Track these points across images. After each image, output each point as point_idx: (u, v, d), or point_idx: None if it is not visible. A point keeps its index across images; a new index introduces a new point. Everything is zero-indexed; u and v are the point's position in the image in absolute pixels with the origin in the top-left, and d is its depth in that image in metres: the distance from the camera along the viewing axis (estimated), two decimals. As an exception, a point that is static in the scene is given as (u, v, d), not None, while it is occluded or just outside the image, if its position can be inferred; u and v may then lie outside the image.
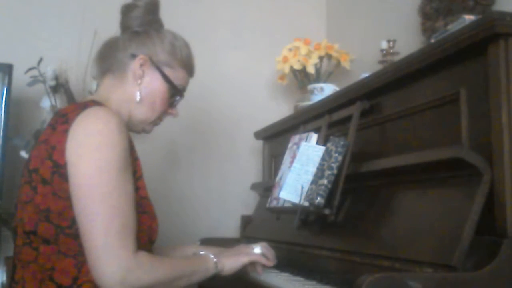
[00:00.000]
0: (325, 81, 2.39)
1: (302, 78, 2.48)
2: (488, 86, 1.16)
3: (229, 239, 2.31)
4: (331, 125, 1.75)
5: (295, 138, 1.85)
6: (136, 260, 1.19)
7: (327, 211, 1.48)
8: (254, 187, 2.44)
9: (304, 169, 1.64)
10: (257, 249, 1.51)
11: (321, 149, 1.61)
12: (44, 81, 2.18)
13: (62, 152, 1.19)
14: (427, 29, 1.95)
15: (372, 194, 1.48)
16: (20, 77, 2.17)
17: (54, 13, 2.47)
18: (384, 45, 2.05)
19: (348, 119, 1.62)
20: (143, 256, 1.21)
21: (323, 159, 1.55)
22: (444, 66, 1.30)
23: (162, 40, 1.40)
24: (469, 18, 1.40)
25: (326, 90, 2.22)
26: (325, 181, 1.48)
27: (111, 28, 1.44)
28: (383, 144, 1.54)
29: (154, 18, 1.43)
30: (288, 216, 1.77)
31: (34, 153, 1.27)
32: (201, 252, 1.53)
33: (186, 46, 1.45)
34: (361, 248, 1.39)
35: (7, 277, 2.05)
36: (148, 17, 1.41)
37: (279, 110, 2.65)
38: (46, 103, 2.20)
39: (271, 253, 1.54)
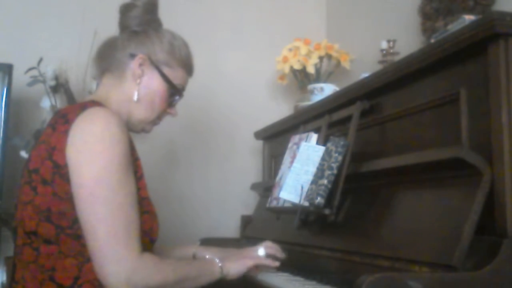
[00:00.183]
0: (325, 81, 2.39)
1: (302, 78, 2.48)
2: (488, 86, 1.16)
3: (229, 239, 2.31)
4: (331, 125, 1.75)
5: (295, 138, 1.85)
6: (142, 261, 1.19)
7: (327, 211, 1.48)
8: (254, 187, 2.44)
9: (304, 169, 1.64)
10: (261, 251, 1.51)
11: (321, 149, 1.61)
12: (44, 81, 2.18)
13: (63, 152, 1.19)
14: (427, 29, 1.95)
15: (372, 194, 1.48)
16: (20, 77, 2.17)
17: (54, 13, 2.47)
18: (384, 45, 2.05)
19: (348, 119, 1.62)
20: (149, 257, 1.22)
21: (323, 159, 1.55)
22: (444, 66, 1.30)
23: (161, 40, 1.40)
24: (469, 18, 1.40)
25: (326, 90, 2.22)
26: (325, 181, 1.48)
27: (111, 28, 1.44)
28: (383, 144, 1.54)
29: (153, 17, 1.43)
30: (288, 216, 1.77)
31: (34, 153, 1.27)
32: (207, 256, 1.53)
33: (185, 45, 1.45)
34: (361, 248, 1.39)
35: (7, 277, 2.05)
36: (146, 16, 1.41)
37: (279, 110, 2.65)
38: (46, 103, 2.20)
39: (275, 251, 1.54)
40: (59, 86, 2.21)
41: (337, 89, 2.17)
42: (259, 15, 2.83)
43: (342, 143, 1.51)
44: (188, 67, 1.46)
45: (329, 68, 2.49)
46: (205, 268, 1.36)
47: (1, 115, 2.13)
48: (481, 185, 1.11)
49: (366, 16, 2.53)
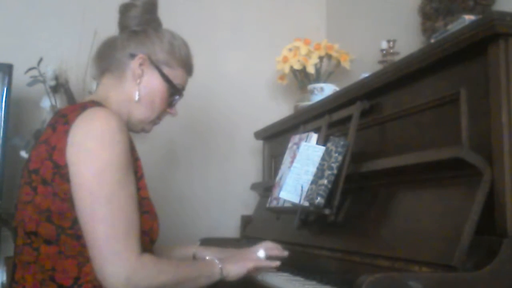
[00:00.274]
0: (325, 81, 2.39)
1: (302, 78, 2.48)
2: (488, 86, 1.16)
3: (229, 239, 2.31)
4: (331, 125, 1.75)
5: (295, 138, 1.85)
6: (141, 261, 1.19)
7: (327, 211, 1.48)
8: (254, 187, 2.44)
9: (304, 169, 1.64)
10: (261, 253, 1.50)
11: (321, 149, 1.61)
12: (44, 81, 2.18)
13: (63, 152, 1.19)
14: (427, 29, 1.95)
15: (372, 194, 1.48)
16: (20, 77, 2.17)
17: (54, 13, 2.47)
18: (384, 45, 2.05)
19: (348, 119, 1.62)
20: (148, 258, 1.22)
21: (323, 159, 1.55)
22: (444, 66, 1.30)
23: (161, 40, 1.40)
24: (469, 18, 1.40)
25: (326, 90, 2.22)
26: (325, 181, 1.48)
27: (111, 28, 1.44)
28: (383, 144, 1.54)
29: (152, 17, 1.43)
30: (288, 216, 1.77)
31: (34, 153, 1.27)
32: (207, 257, 1.52)
33: (185, 45, 1.45)
34: (361, 248, 1.39)
35: (7, 277, 2.04)
36: (146, 16, 1.41)
37: (279, 110, 2.65)
38: (46, 103, 2.20)
39: (277, 251, 1.54)
40: (59, 86, 2.21)
41: (337, 89, 2.17)
42: (259, 15, 2.83)
43: (342, 143, 1.51)
44: (188, 67, 1.46)
45: (329, 68, 2.49)
46: (205, 269, 1.36)
47: (1, 115, 2.13)
48: (481, 185, 1.11)
49: (366, 16, 2.53)
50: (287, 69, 2.45)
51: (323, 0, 2.93)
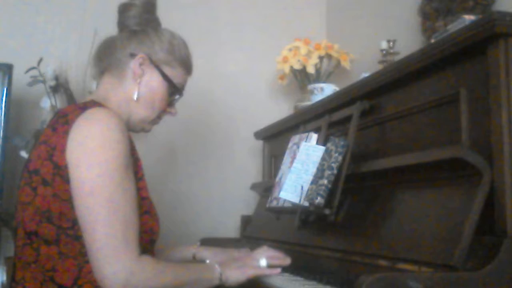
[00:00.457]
0: (325, 81, 2.39)
1: (302, 78, 2.48)
2: (488, 86, 1.16)
3: (229, 239, 2.31)
4: (331, 125, 1.75)
5: (295, 138, 1.85)
6: (140, 263, 1.19)
7: (327, 211, 1.48)
8: (254, 187, 2.44)
9: (304, 169, 1.64)
10: (263, 262, 1.49)
11: (321, 149, 1.61)
12: (44, 81, 2.18)
13: (63, 153, 1.19)
14: (427, 29, 1.95)
15: (372, 194, 1.48)
16: (20, 77, 2.17)
17: (54, 13, 2.47)
18: (384, 45, 2.05)
19: (348, 119, 1.62)
20: (147, 260, 1.21)
21: (323, 159, 1.55)
22: (444, 66, 1.30)
23: (161, 39, 1.40)
24: (469, 18, 1.40)
25: (326, 90, 2.22)
26: (325, 181, 1.47)
27: (111, 28, 1.44)
28: (383, 144, 1.54)
29: (152, 17, 1.43)
30: (288, 216, 1.77)
31: (34, 154, 1.27)
32: (207, 261, 1.51)
33: (184, 44, 1.45)
34: (361, 248, 1.39)
35: (7, 277, 2.04)
36: (145, 16, 1.41)
37: (279, 110, 2.65)
38: (46, 103, 2.20)
39: (279, 260, 1.52)
40: (59, 86, 2.21)
41: (337, 89, 2.17)
42: (259, 15, 2.83)
43: (342, 143, 1.51)
44: (187, 66, 1.46)
45: (329, 68, 2.49)
46: (204, 274, 1.35)
47: (1, 115, 2.13)
48: (481, 185, 1.11)
49: (366, 16, 2.53)
50: (287, 69, 2.45)
51: (323, 0, 2.93)
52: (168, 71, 1.40)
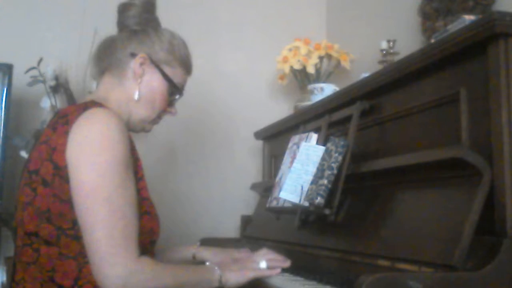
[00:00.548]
0: (325, 81, 2.39)
1: (302, 78, 2.48)
2: (488, 86, 1.16)
3: (229, 239, 2.31)
4: (331, 125, 1.75)
5: (295, 138, 1.85)
6: (139, 264, 1.18)
7: (327, 211, 1.48)
8: (254, 187, 2.44)
9: (304, 169, 1.64)
10: (263, 264, 1.49)
11: (321, 149, 1.60)
12: (44, 81, 2.18)
13: (63, 153, 1.19)
14: (427, 29, 1.95)
15: (372, 194, 1.48)
16: (20, 77, 2.17)
17: (54, 13, 2.47)
18: (384, 45, 2.05)
19: (348, 119, 1.62)
20: (146, 261, 1.21)
21: (323, 159, 1.55)
22: (444, 66, 1.30)
23: (161, 39, 1.40)
24: (469, 18, 1.40)
25: (326, 90, 2.22)
26: (325, 181, 1.47)
27: (111, 28, 1.44)
28: (383, 144, 1.54)
29: (151, 16, 1.43)
30: (288, 216, 1.77)
31: (34, 154, 1.27)
32: (207, 263, 1.51)
33: (184, 44, 1.46)
34: (361, 248, 1.39)
35: (7, 277, 2.04)
36: (145, 15, 1.41)
37: (279, 110, 2.65)
38: (46, 103, 2.20)
39: (278, 263, 1.51)
40: (59, 86, 2.21)
41: (337, 89, 2.17)
42: (259, 15, 2.82)
43: (342, 143, 1.51)
44: (187, 66, 1.46)
45: (329, 68, 2.49)
46: (204, 276, 1.35)
47: (1, 115, 2.13)
48: (481, 185, 1.11)
49: (366, 16, 2.53)
50: (287, 69, 2.45)
51: (323, 0, 2.93)
52: (168, 71, 1.40)
